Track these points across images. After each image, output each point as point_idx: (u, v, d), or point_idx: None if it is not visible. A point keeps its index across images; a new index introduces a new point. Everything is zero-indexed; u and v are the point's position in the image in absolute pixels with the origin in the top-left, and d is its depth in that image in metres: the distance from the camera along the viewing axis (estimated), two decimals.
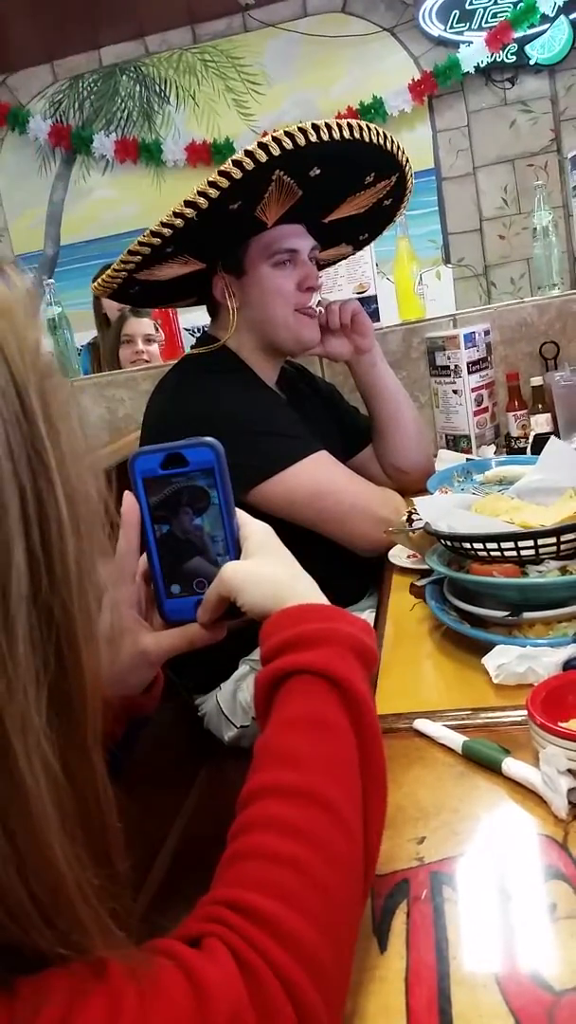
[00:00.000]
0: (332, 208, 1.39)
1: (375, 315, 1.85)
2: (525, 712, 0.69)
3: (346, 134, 1.19)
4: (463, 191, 3.94)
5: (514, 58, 3.70)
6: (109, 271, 1.33)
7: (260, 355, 1.40)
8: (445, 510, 0.94)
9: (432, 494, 1.18)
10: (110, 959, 0.39)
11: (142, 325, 2.57)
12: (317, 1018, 0.42)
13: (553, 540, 0.81)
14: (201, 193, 1.18)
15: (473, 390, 1.56)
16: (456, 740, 0.70)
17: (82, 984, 0.37)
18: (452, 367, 1.55)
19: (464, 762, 0.69)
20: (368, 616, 1.28)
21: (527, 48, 3.68)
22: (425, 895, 0.55)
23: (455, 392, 1.56)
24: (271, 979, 0.41)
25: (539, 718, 0.63)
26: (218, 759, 1.42)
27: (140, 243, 1.25)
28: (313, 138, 1.16)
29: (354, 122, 1.21)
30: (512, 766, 0.64)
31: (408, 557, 1.15)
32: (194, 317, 2.30)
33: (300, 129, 1.16)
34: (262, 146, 1.14)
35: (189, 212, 1.19)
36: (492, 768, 0.66)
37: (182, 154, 4.19)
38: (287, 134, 1.15)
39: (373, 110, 3.89)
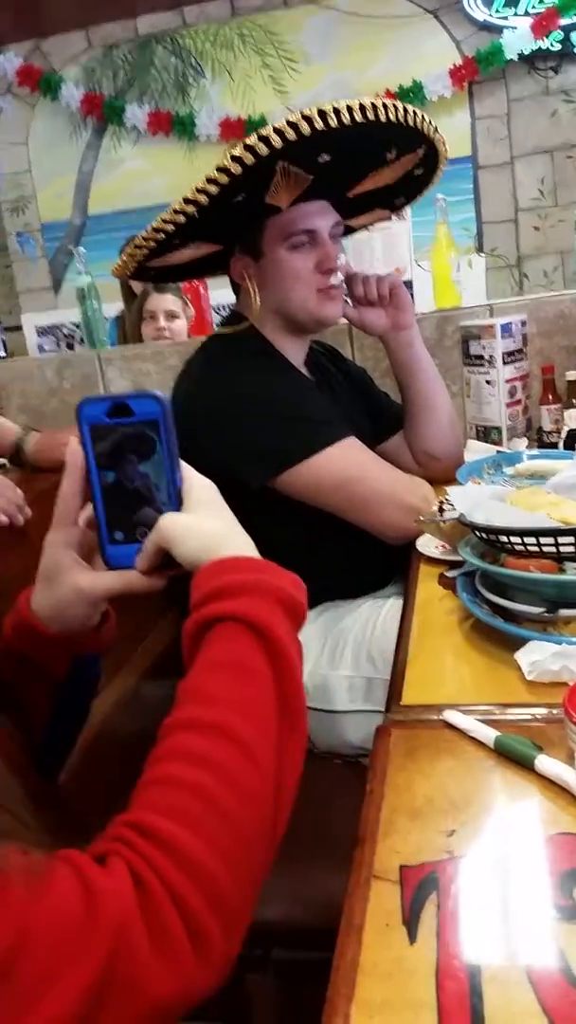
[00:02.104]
0: (354, 184, 1.33)
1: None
2: (557, 710, 0.68)
3: (357, 117, 1.11)
4: (500, 180, 3.89)
5: (559, 46, 3.64)
6: (120, 261, 1.31)
7: (284, 335, 1.38)
8: (480, 501, 0.93)
9: (463, 485, 1.17)
10: (9, 854, 0.43)
11: (165, 301, 2.53)
12: (209, 938, 0.45)
13: None
14: (201, 190, 1.14)
15: (507, 381, 1.54)
16: (488, 734, 0.69)
17: None
18: (487, 357, 1.53)
19: (495, 756, 0.68)
20: (394, 604, 1.27)
21: (573, 36, 3.61)
22: (456, 889, 0.54)
23: (488, 383, 1.54)
24: (164, 896, 0.44)
25: None
26: None
27: (144, 238, 1.23)
28: (319, 126, 1.09)
29: (367, 101, 1.12)
30: (546, 763, 0.63)
31: (437, 547, 1.14)
32: (221, 295, 2.29)
33: (305, 117, 1.08)
34: (262, 138, 1.09)
35: (190, 209, 1.16)
36: (524, 764, 0.65)
37: (215, 129, 4.15)
38: (290, 124, 1.08)
39: (412, 94, 3.84)
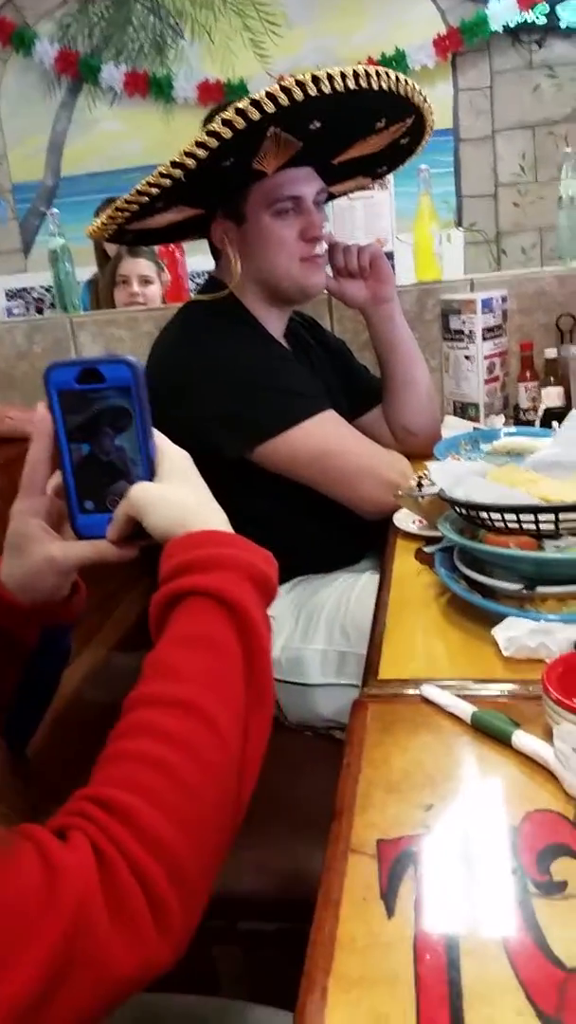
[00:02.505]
0: (340, 152, 1.30)
1: None
2: (533, 686, 0.68)
3: (351, 84, 1.09)
4: (480, 154, 3.86)
5: (544, 19, 3.60)
6: (98, 223, 1.27)
7: (265, 305, 1.35)
8: (460, 477, 0.92)
9: (441, 460, 1.16)
10: None
11: (138, 266, 2.48)
12: (170, 912, 0.45)
13: (574, 516, 0.79)
14: (189, 154, 1.11)
15: (486, 357, 1.53)
16: (466, 710, 0.69)
17: None
18: (466, 332, 1.52)
19: (471, 732, 0.68)
20: (369, 579, 1.26)
21: (558, 8, 3.57)
22: (434, 863, 0.54)
23: (467, 358, 1.54)
24: (124, 869, 0.44)
25: (555, 693, 0.62)
26: None
27: (127, 201, 1.20)
28: (313, 92, 1.07)
29: (361, 68, 1.09)
30: (523, 740, 0.64)
31: (414, 523, 1.13)
32: (197, 261, 2.24)
33: (298, 83, 1.06)
34: (255, 103, 1.06)
35: (177, 173, 1.13)
36: (501, 740, 0.65)
37: (193, 92, 4.06)
38: (283, 89, 1.06)
39: (394, 63, 3.77)
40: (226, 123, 1.08)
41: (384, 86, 1.13)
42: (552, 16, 3.59)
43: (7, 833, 0.44)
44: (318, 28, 3.90)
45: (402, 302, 1.51)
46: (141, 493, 0.61)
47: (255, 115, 1.07)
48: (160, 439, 0.64)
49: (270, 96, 1.06)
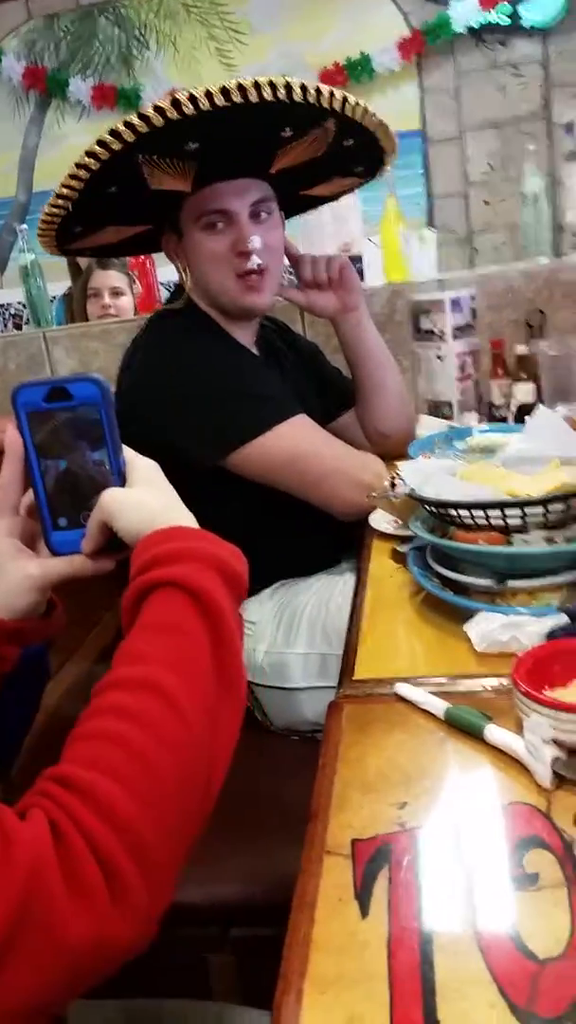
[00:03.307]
0: (268, 163, 1.25)
1: (360, 276, 1.81)
2: (506, 680, 0.69)
3: (218, 101, 1.03)
4: (449, 155, 3.88)
5: (507, 19, 3.62)
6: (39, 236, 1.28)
7: (223, 317, 1.35)
8: (430, 475, 0.93)
9: (414, 460, 1.17)
10: None
11: (109, 278, 2.48)
12: (127, 884, 0.45)
13: (540, 509, 0.80)
14: (66, 186, 1.13)
15: (457, 356, 1.54)
16: (439, 706, 0.69)
17: None
18: (437, 332, 1.53)
19: (446, 728, 0.68)
20: (348, 581, 1.27)
21: (520, 8, 3.60)
22: (408, 861, 0.55)
23: (439, 358, 1.54)
24: (79, 839, 0.44)
25: (523, 686, 0.63)
26: None
27: (40, 232, 1.22)
28: (173, 115, 1.03)
29: (232, 83, 1.04)
30: (495, 733, 0.64)
31: (389, 523, 1.14)
32: (170, 272, 2.24)
33: (156, 108, 1.04)
34: (113, 134, 1.07)
35: (61, 203, 1.16)
36: (474, 735, 0.66)
37: None
38: (142, 116, 1.04)
39: (360, 67, 3.79)
40: (85, 160, 1.10)
41: (266, 96, 1.07)
42: (515, 16, 3.61)
43: None
44: (283, 34, 3.91)
45: (372, 304, 1.52)
46: (110, 498, 0.62)
47: (103, 156, 1.09)
48: (128, 452, 0.65)
49: (121, 128, 1.07)
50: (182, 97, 1.04)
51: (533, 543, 0.81)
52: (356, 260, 1.82)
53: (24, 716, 0.74)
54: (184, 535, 0.60)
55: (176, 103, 1.04)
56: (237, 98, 1.06)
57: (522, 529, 0.81)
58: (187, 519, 0.63)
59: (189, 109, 1.05)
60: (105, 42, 4.09)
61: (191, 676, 0.53)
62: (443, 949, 0.47)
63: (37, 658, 0.71)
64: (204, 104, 1.05)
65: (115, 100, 4.10)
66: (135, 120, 1.06)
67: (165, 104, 1.04)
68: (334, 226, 1.81)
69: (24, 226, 2.13)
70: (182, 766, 0.50)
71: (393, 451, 1.42)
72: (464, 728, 0.67)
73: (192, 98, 1.04)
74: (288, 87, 1.08)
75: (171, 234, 1.31)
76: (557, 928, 0.48)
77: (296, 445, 1.24)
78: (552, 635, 0.74)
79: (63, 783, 0.47)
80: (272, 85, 1.07)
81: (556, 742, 0.59)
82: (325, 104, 1.15)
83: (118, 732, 0.49)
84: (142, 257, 2.13)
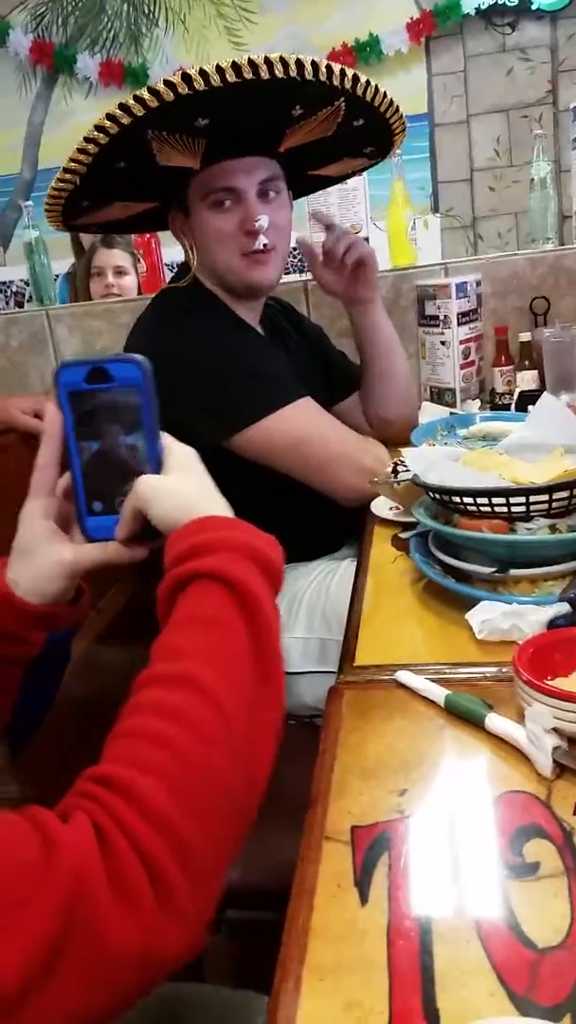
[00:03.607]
0: (278, 141, 1.23)
1: None
2: (507, 668, 0.69)
3: (230, 77, 1.03)
4: (456, 139, 3.84)
5: (516, 2, 3.58)
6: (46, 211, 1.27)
7: (229, 296, 1.34)
8: (433, 462, 0.92)
9: (417, 446, 1.16)
10: None
11: (112, 257, 2.45)
12: (174, 887, 0.43)
13: (545, 498, 0.80)
14: (74, 160, 1.11)
15: (461, 343, 1.53)
16: (439, 693, 0.69)
17: None
18: (441, 317, 1.52)
19: (445, 715, 0.68)
20: (348, 567, 1.26)
21: None
22: (407, 849, 0.54)
23: (443, 343, 1.53)
24: (123, 842, 0.43)
25: (525, 675, 0.62)
26: None
27: (47, 206, 1.20)
28: (183, 90, 1.02)
29: (244, 60, 1.02)
30: (495, 722, 0.64)
31: (391, 509, 1.13)
32: (175, 251, 2.22)
33: (166, 83, 1.02)
34: (123, 108, 1.05)
35: (68, 178, 1.14)
36: (474, 723, 0.65)
37: None
38: (152, 91, 1.02)
39: (368, 48, 3.75)
40: (100, 128, 1.08)
41: (278, 74, 1.06)
42: None
43: (7, 814, 0.44)
44: (292, 14, 3.87)
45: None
46: (145, 485, 0.61)
47: (113, 129, 1.07)
48: (166, 438, 0.64)
49: (138, 100, 1.05)
50: (193, 72, 1.03)
51: (536, 531, 0.81)
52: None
53: (44, 700, 0.74)
54: (219, 524, 0.59)
55: (187, 78, 1.03)
56: (248, 74, 1.05)
57: (526, 517, 0.81)
58: (222, 507, 0.62)
59: (200, 84, 1.04)
60: (114, 18, 4.05)
61: (228, 668, 0.53)
62: (442, 937, 0.47)
63: (61, 643, 0.70)
64: (215, 80, 1.04)
65: (123, 77, 4.06)
66: (145, 95, 1.05)
67: (176, 79, 1.03)
68: (341, 208, 1.80)
69: (29, 203, 2.11)
70: (224, 760, 0.49)
71: (394, 437, 1.41)
72: (464, 716, 0.66)
73: (203, 73, 1.03)
74: (300, 64, 1.08)
75: (178, 212, 1.30)
76: (556, 917, 0.48)
77: (300, 428, 1.23)
78: (553, 624, 0.74)
79: (105, 783, 0.46)
80: (284, 62, 1.06)
81: (557, 731, 0.59)
82: (336, 83, 1.14)
83: (155, 729, 0.49)
84: (147, 236, 2.11)
